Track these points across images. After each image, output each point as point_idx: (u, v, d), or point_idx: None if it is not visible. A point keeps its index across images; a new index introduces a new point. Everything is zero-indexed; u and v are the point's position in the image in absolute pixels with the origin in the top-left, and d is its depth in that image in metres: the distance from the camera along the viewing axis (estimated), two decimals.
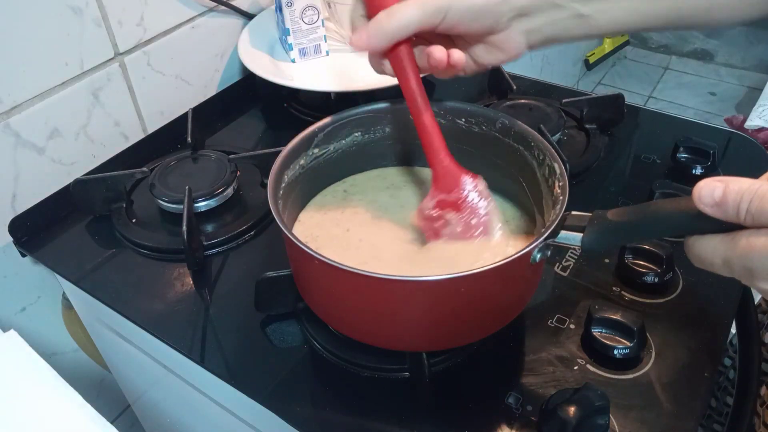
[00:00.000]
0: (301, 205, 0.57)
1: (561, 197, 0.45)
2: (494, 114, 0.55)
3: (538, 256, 0.43)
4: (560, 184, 0.47)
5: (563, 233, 0.43)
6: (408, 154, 0.61)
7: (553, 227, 0.42)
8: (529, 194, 0.54)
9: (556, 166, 0.48)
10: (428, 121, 0.49)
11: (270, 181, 0.48)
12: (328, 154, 0.57)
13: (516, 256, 0.41)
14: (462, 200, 0.50)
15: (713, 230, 0.34)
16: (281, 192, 0.50)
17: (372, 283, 0.42)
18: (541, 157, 0.51)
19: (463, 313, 0.44)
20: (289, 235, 0.43)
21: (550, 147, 0.50)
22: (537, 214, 0.53)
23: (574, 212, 0.43)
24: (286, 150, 0.52)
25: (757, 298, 0.65)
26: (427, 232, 0.51)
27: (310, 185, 0.57)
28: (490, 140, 0.56)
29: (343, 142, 0.57)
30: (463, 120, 0.56)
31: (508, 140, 0.54)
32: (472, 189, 0.50)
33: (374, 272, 0.41)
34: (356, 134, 0.57)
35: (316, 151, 0.55)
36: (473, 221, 0.50)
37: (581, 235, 0.42)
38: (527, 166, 0.53)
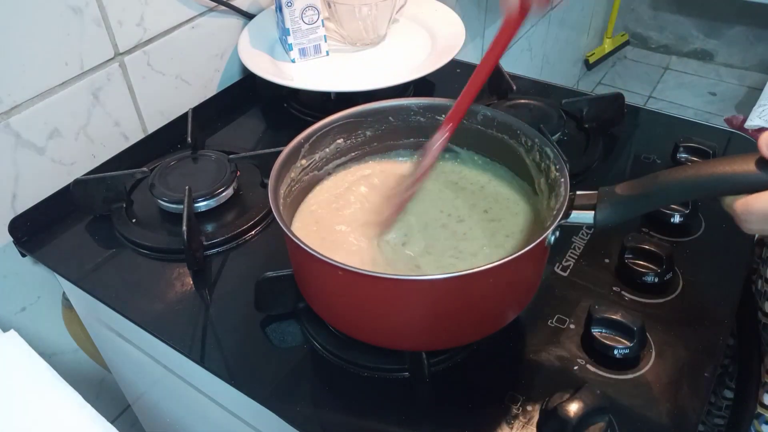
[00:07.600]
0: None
1: (562, 179, 0.45)
2: (474, 107, 0.55)
3: (552, 238, 0.43)
4: (557, 166, 0.47)
5: (575, 213, 0.43)
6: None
7: (564, 209, 0.42)
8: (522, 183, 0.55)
9: (548, 150, 0.49)
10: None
11: (270, 181, 0.48)
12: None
13: (518, 254, 0.41)
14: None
15: (730, 191, 0.36)
16: (282, 192, 0.50)
17: (373, 283, 0.42)
18: (529, 144, 0.51)
19: (463, 313, 0.44)
20: (290, 235, 0.43)
21: (538, 133, 0.50)
22: (533, 200, 0.53)
23: (579, 192, 0.43)
24: (286, 150, 0.52)
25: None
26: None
27: (311, 185, 0.57)
28: (473, 133, 0.56)
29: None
30: (443, 115, 0.56)
31: (491, 131, 0.55)
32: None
33: (375, 272, 0.41)
34: (358, 133, 0.57)
35: None
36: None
37: (593, 212, 0.42)
38: (516, 155, 0.53)
